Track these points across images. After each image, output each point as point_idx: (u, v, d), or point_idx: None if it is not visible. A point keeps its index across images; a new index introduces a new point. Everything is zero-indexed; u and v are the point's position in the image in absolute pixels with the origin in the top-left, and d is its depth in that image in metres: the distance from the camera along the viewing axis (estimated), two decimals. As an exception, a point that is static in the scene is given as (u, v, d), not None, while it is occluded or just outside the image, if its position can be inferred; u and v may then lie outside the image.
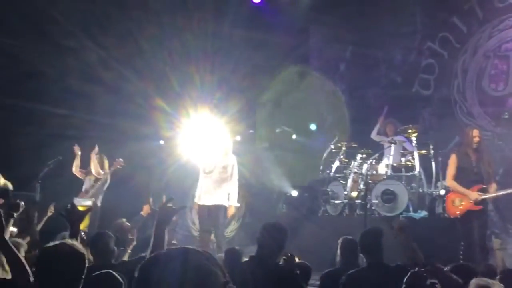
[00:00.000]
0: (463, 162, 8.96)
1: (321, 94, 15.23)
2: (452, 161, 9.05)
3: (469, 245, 8.73)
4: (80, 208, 4.85)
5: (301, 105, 14.64)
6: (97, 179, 11.80)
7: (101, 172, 11.81)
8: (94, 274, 4.08)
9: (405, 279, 4.36)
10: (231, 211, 10.15)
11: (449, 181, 9.12)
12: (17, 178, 11.27)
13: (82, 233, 5.80)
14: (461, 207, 8.84)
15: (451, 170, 9.04)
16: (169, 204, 4.15)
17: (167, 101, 12.91)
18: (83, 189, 11.87)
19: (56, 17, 12.13)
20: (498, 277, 5.63)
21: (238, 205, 11.03)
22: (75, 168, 11.96)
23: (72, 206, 4.53)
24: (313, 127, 13.67)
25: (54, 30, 12.36)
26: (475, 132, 9.00)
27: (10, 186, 9.39)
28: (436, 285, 4.10)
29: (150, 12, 13.23)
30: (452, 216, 8.96)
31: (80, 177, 11.96)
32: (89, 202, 11.25)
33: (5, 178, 10.74)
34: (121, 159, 11.80)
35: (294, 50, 14.84)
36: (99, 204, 11.63)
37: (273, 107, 13.97)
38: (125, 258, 7.76)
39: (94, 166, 11.80)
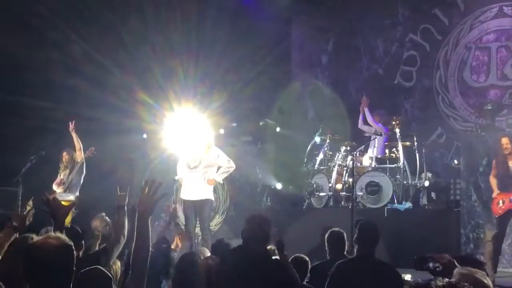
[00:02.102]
0: (500, 167, 9.33)
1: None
2: (493, 166, 9.51)
3: (498, 238, 9.02)
4: (64, 203, 4.78)
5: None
6: (72, 168, 11.41)
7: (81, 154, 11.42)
8: (82, 270, 4.02)
9: None
10: (211, 182, 10.09)
11: (491, 178, 9.49)
12: (1, 172, 11.23)
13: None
14: (503, 207, 9.07)
15: (493, 171, 9.48)
16: (151, 192, 4.05)
17: (151, 94, 12.86)
18: (58, 180, 11.49)
19: (39, 9, 12.00)
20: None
21: (221, 182, 11.00)
22: (79, 153, 11.48)
23: (55, 201, 4.44)
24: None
25: (37, 22, 12.25)
26: (503, 140, 9.35)
27: None
28: (438, 268, 4.09)
29: (134, 5, 13.15)
30: (495, 215, 9.16)
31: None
32: (72, 197, 11.11)
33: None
34: (92, 148, 11.42)
35: (277, 43, 14.82)
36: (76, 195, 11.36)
37: (256, 101, 13.93)
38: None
39: (76, 143, 11.38)
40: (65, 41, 12.55)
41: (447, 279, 2.72)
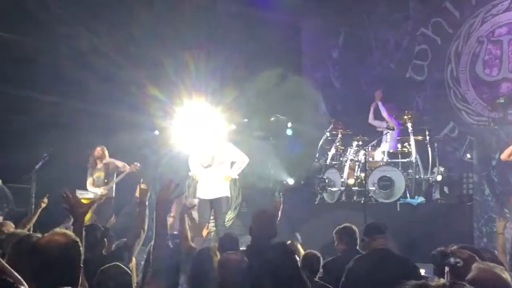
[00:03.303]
0: None
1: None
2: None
3: None
4: (84, 201, 4.79)
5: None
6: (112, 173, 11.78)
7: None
8: (102, 268, 4.03)
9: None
10: (227, 178, 10.13)
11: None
12: (11, 168, 11.26)
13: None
14: None
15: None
16: (168, 191, 4.09)
17: (161, 90, 12.84)
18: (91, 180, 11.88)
19: (49, 3, 12.01)
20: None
21: (237, 177, 11.02)
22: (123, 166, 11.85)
23: (74, 198, 4.44)
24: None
25: (46, 16, 12.23)
26: None
27: None
28: (458, 263, 4.07)
29: (144, -1, 13.16)
30: None
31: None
32: (91, 195, 11.23)
33: (-1, 166, 10.74)
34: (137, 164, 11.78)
35: (288, 38, 14.79)
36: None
37: (267, 96, 13.88)
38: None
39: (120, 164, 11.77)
40: (75, 35, 12.52)
41: (443, 280, 2.69)
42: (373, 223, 6.74)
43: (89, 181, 11.84)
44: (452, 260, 4.08)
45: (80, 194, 10.41)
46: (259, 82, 13.43)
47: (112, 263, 4.27)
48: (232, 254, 4.68)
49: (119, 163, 11.75)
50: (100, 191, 11.55)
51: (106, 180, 11.63)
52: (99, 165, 11.85)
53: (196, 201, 10.09)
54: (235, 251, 5.72)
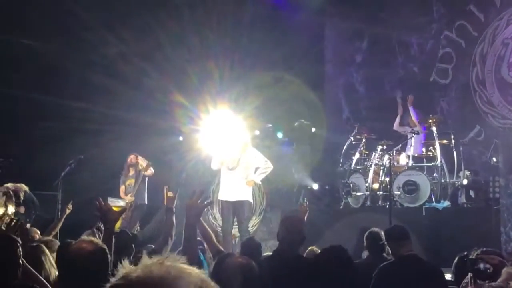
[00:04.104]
0: None
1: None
2: None
3: None
4: (115, 209, 4.86)
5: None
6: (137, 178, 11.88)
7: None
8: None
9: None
10: (250, 183, 10.16)
11: None
12: (39, 175, 11.38)
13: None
14: None
15: None
16: (198, 199, 4.15)
17: (187, 96, 12.92)
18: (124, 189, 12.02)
19: (76, 10, 12.14)
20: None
21: (260, 183, 11.05)
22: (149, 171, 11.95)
23: (106, 205, 4.48)
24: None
25: (75, 24, 12.38)
26: None
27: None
28: (488, 270, 4.06)
29: (171, 7, 13.23)
30: None
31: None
32: (122, 203, 11.36)
33: (26, 173, 10.86)
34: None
35: (312, 44, 14.81)
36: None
37: (291, 102, 13.91)
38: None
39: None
40: (102, 42, 12.67)
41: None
42: (395, 226, 6.72)
43: (121, 188, 11.99)
44: (482, 266, 4.07)
45: (111, 202, 10.53)
46: (283, 89, 13.47)
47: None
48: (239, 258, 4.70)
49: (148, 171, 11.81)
50: (127, 198, 11.67)
51: (135, 187, 11.76)
52: (131, 173, 11.98)
53: (210, 198, 10.14)
54: (242, 256, 5.75)
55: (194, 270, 1.70)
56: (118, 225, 5.81)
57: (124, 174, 12.05)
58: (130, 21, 12.88)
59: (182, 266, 1.69)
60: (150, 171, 11.77)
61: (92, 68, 12.70)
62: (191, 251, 4.07)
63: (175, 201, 5.51)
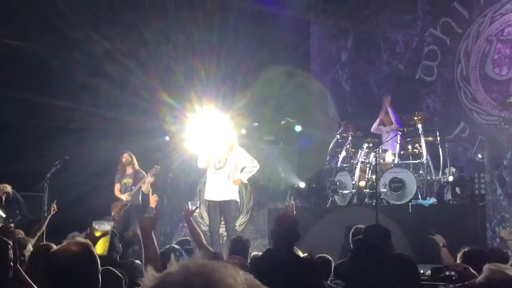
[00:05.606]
0: None
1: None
2: None
3: None
4: (96, 234, 4.92)
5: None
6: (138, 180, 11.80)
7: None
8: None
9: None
10: (237, 182, 10.15)
11: None
12: (24, 174, 11.33)
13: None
14: None
15: None
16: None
17: (173, 95, 12.90)
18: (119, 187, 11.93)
19: (62, 9, 12.09)
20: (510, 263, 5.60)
21: (246, 182, 11.05)
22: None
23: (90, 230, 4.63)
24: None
25: (59, 22, 12.33)
26: None
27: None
28: (454, 277, 4.13)
29: (156, 5, 13.21)
30: None
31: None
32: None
33: (12, 173, 10.80)
34: (157, 166, 11.78)
35: (297, 42, 14.82)
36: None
37: (277, 101, 13.92)
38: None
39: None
40: (87, 41, 12.63)
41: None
42: (375, 225, 6.74)
43: (116, 187, 11.90)
44: (446, 273, 4.16)
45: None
46: (269, 87, 13.47)
47: (105, 267, 4.32)
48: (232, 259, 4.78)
49: (144, 186, 11.64)
50: (124, 197, 11.60)
51: (133, 187, 11.68)
52: (129, 171, 11.89)
53: (197, 203, 10.13)
54: (234, 256, 5.77)
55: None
56: (103, 248, 5.66)
57: (120, 172, 11.95)
58: (115, 19, 12.84)
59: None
60: (155, 168, 11.67)
61: (77, 67, 12.66)
62: (154, 256, 4.30)
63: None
